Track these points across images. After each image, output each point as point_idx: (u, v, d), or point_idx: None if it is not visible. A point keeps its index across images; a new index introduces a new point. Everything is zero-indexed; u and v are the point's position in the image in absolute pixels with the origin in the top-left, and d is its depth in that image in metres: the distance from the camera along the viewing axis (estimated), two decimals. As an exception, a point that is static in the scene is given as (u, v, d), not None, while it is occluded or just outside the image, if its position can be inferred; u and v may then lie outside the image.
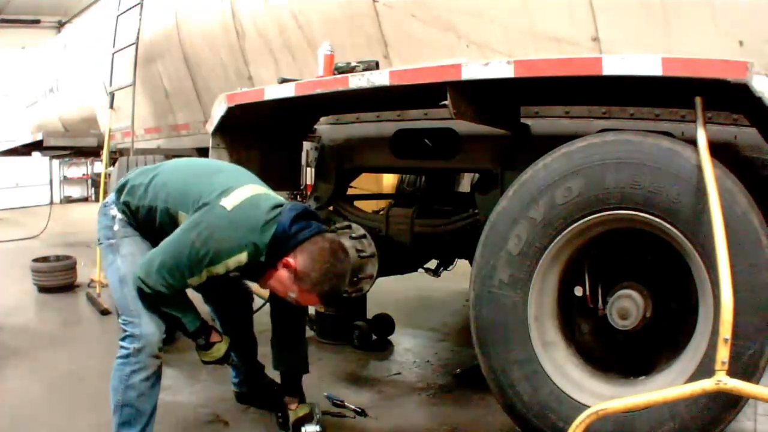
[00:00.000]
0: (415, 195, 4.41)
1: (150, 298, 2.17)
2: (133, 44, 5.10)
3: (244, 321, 2.75)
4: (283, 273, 2.13)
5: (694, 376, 1.92)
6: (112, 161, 6.06)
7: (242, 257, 2.08)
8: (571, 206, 2.12)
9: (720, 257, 1.76)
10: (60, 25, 14.20)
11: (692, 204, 1.93)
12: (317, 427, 2.57)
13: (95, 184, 15.41)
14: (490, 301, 2.27)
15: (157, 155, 5.18)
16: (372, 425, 2.88)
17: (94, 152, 8.23)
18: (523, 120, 2.74)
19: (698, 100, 1.97)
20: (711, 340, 1.90)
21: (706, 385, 1.72)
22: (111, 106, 5.57)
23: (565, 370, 2.25)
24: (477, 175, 3.62)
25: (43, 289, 5.59)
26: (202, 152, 4.76)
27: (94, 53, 6.75)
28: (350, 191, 3.84)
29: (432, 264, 4.11)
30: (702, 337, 1.98)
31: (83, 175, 16.48)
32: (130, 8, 5.22)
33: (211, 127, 3.13)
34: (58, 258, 5.84)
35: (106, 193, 5.26)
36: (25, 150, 8.89)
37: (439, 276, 4.21)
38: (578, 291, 2.32)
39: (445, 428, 2.84)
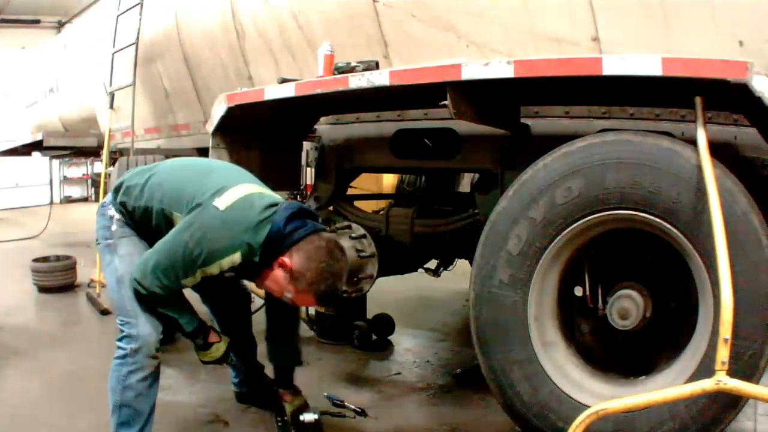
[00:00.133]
0: (415, 195, 4.41)
1: (146, 299, 2.17)
2: (133, 44, 5.10)
3: (242, 321, 2.74)
4: (278, 273, 2.11)
5: (694, 376, 1.92)
6: (112, 161, 6.06)
7: (236, 258, 2.07)
8: (571, 206, 2.12)
9: (720, 257, 1.76)
10: (60, 25, 14.20)
11: (692, 204, 1.93)
12: (315, 415, 2.57)
13: (95, 184, 15.41)
14: (490, 301, 2.27)
15: (157, 155, 5.18)
16: (372, 425, 2.88)
17: (94, 152, 8.23)
18: (523, 120, 2.74)
19: (698, 100, 1.97)
20: (711, 340, 1.90)
21: (706, 385, 1.72)
22: (111, 106, 5.57)
23: (565, 370, 2.25)
24: (477, 175, 3.62)
25: (43, 289, 5.59)
26: (202, 152, 4.76)
27: (94, 53, 6.75)
28: (350, 191, 3.84)
29: (432, 264, 4.11)
30: (702, 337, 1.98)
31: (83, 175, 16.49)
32: (130, 8, 5.22)
33: (211, 127, 3.13)
34: (58, 258, 5.84)
35: (106, 193, 5.25)
36: (25, 150, 8.89)
37: (439, 276, 4.21)
38: (578, 291, 2.32)
39: (445, 428, 2.84)
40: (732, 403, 1.89)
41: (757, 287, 1.85)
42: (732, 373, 1.72)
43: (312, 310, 4.22)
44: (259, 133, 3.40)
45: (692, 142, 1.97)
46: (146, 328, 2.19)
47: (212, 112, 3.10)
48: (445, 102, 2.23)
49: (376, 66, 2.74)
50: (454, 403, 3.12)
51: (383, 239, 3.37)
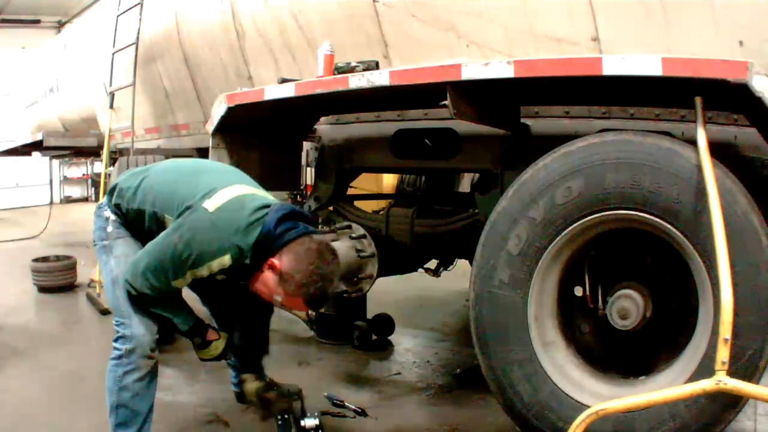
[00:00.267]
0: (415, 195, 4.41)
1: (138, 300, 2.16)
2: (133, 44, 5.10)
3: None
4: (267, 275, 2.06)
5: (694, 376, 1.92)
6: (112, 161, 6.06)
7: (225, 260, 2.04)
8: (571, 206, 2.12)
9: (720, 257, 1.76)
10: (60, 25, 14.20)
11: (692, 204, 1.93)
12: (315, 420, 2.55)
13: (95, 184, 15.42)
14: (490, 301, 2.27)
15: (157, 155, 5.18)
16: (372, 425, 2.88)
17: (94, 152, 8.23)
18: (523, 120, 2.74)
19: (698, 100, 1.97)
20: (711, 340, 1.90)
21: (706, 385, 1.72)
22: (111, 106, 5.57)
23: (565, 370, 2.25)
24: (477, 175, 3.62)
25: (43, 289, 5.59)
26: (202, 152, 4.76)
27: (94, 53, 6.75)
28: (350, 191, 3.84)
29: (432, 264, 4.11)
30: (702, 337, 1.98)
31: (83, 175, 16.50)
32: (130, 8, 5.22)
33: (211, 127, 3.13)
34: (58, 258, 5.84)
35: (105, 193, 5.26)
36: (25, 150, 8.89)
37: (439, 276, 4.21)
38: (578, 291, 2.32)
39: (445, 428, 2.84)
40: (732, 403, 1.89)
41: (757, 287, 1.85)
42: (732, 373, 1.72)
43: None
44: (259, 133, 3.39)
45: (692, 142, 1.97)
46: (140, 328, 2.18)
47: (212, 112, 3.10)
48: (445, 102, 2.23)
49: (376, 66, 2.74)
50: (454, 403, 3.12)
51: (383, 239, 3.37)
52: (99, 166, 10.91)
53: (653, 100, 2.45)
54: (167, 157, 5.07)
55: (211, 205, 2.07)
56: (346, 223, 3.39)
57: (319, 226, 3.55)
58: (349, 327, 4.01)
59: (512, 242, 2.22)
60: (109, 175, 5.45)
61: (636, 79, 1.96)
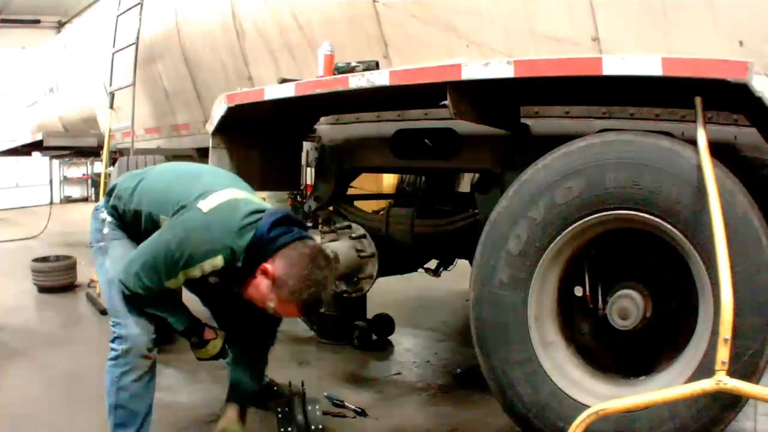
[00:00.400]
0: (415, 195, 4.41)
1: (132, 300, 2.16)
2: (133, 44, 5.10)
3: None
4: (261, 280, 2.05)
5: (694, 376, 1.92)
6: (112, 161, 6.06)
7: (217, 261, 2.04)
8: (571, 206, 2.12)
9: (720, 257, 1.76)
10: (60, 25, 14.19)
11: (692, 204, 1.93)
12: (318, 412, 2.57)
13: (95, 184, 15.42)
14: (490, 301, 2.27)
15: (157, 155, 5.19)
16: (372, 425, 2.88)
17: (94, 152, 8.23)
18: (523, 120, 2.74)
19: (698, 100, 1.97)
20: (711, 340, 1.90)
21: (706, 385, 1.72)
22: (111, 106, 5.58)
23: (565, 370, 2.25)
24: (477, 175, 3.62)
25: (43, 289, 5.59)
26: (202, 152, 4.76)
27: (94, 53, 6.75)
28: (350, 191, 3.84)
29: (432, 264, 4.10)
30: (702, 337, 1.98)
31: (83, 175, 16.51)
32: (130, 8, 5.22)
33: (211, 127, 3.13)
34: (58, 258, 5.84)
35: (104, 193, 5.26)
36: (25, 150, 8.88)
37: (439, 276, 4.21)
38: (578, 291, 2.32)
39: (445, 428, 2.84)
40: (732, 403, 1.89)
41: (757, 287, 1.85)
42: (732, 373, 1.72)
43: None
44: (259, 133, 3.40)
45: (692, 142, 1.97)
46: (135, 328, 2.18)
47: (212, 112, 3.10)
48: (445, 102, 2.23)
49: (376, 66, 2.74)
50: (454, 403, 3.12)
51: (383, 239, 3.37)
52: (99, 166, 10.91)
53: (653, 100, 2.45)
54: (167, 158, 5.09)
55: (205, 205, 2.07)
56: (346, 223, 3.39)
57: (320, 226, 3.55)
58: (349, 327, 4.01)
59: (512, 242, 2.22)
60: (109, 175, 5.45)
61: (636, 79, 1.96)
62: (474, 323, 2.32)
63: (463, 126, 2.86)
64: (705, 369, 1.86)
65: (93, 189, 16.10)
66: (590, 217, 2.11)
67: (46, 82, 9.02)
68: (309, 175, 4.80)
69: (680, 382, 1.96)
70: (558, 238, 2.17)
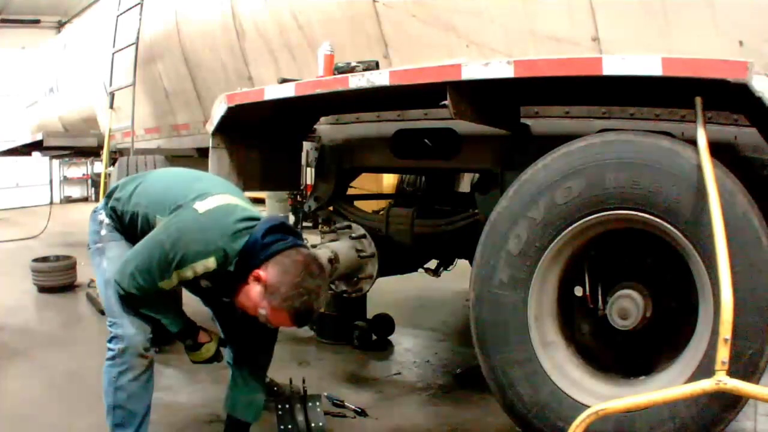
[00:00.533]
0: (415, 195, 4.41)
1: (126, 300, 2.16)
2: (133, 44, 5.10)
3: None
4: (253, 287, 2.02)
5: (694, 376, 1.92)
6: (112, 161, 6.06)
7: (210, 263, 2.02)
8: (571, 206, 2.12)
9: (720, 257, 1.76)
10: (60, 25, 14.19)
11: (692, 204, 1.93)
12: (319, 409, 2.56)
13: (95, 184, 15.42)
14: (490, 301, 2.27)
15: (157, 155, 5.18)
16: (372, 425, 2.88)
17: (94, 152, 8.23)
18: (523, 120, 2.74)
19: (698, 100, 1.97)
20: (711, 340, 1.90)
21: (706, 385, 1.72)
22: (111, 106, 5.58)
23: (565, 370, 2.25)
24: (477, 175, 3.62)
25: (43, 289, 5.59)
26: (202, 152, 4.77)
27: (94, 53, 6.74)
28: (350, 191, 3.84)
29: (432, 264, 4.11)
30: (702, 337, 1.98)
31: (83, 175, 16.50)
32: (130, 8, 5.22)
33: (211, 127, 3.13)
34: (58, 258, 5.84)
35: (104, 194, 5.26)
36: (25, 150, 8.88)
37: (439, 276, 4.21)
38: (578, 291, 2.32)
39: (445, 428, 2.84)
40: (732, 403, 1.89)
41: (757, 287, 1.85)
42: (732, 373, 1.71)
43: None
44: (259, 133, 3.39)
45: (692, 142, 1.97)
46: (131, 328, 2.17)
47: (212, 112, 3.10)
48: (445, 102, 2.23)
49: (376, 66, 2.74)
50: (454, 403, 3.12)
51: (383, 239, 3.37)
52: (99, 166, 10.91)
53: (653, 100, 2.45)
54: (167, 158, 5.09)
55: (201, 206, 2.06)
56: (346, 223, 3.39)
57: (320, 226, 3.55)
58: (349, 327, 4.01)
59: (512, 242, 2.22)
60: (109, 175, 5.45)
61: (636, 79, 1.96)
62: (474, 323, 2.32)
63: (463, 126, 2.86)
64: (705, 369, 1.86)
65: (93, 189, 16.09)
66: (590, 217, 2.11)
67: (46, 82, 9.02)
68: (309, 175, 4.81)
69: (680, 382, 1.96)
70: (558, 238, 2.17)
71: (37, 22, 14.37)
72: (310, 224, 8.13)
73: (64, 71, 8.26)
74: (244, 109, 2.98)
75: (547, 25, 2.57)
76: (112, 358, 2.19)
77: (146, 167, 4.72)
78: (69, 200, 16.03)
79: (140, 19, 5.05)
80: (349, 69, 2.71)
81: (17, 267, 6.34)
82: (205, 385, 3.31)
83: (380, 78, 2.41)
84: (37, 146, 8.31)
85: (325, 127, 3.58)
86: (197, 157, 5.13)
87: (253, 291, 2.02)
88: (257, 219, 2.11)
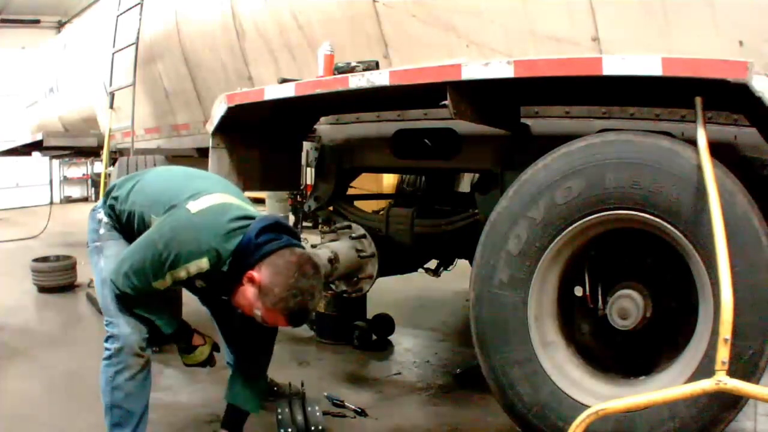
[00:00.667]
0: (415, 195, 4.41)
1: (121, 300, 2.16)
2: (133, 44, 5.10)
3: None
4: (247, 288, 2.01)
5: (694, 376, 1.92)
6: (112, 161, 6.06)
7: (203, 263, 2.01)
8: (571, 206, 2.12)
9: (720, 257, 1.76)
10: (60, 25, 14.19)
11: (692, 204, 1.93)
12: (318, 413, 2.54)
13: (95, 184, 15.42)
14: (490, 301, 2.27)
15: (157, 155, 5.18)
16: (372, 425, 2.88)
17: (94, 152, 8.22)
18: (523, 120, 2.74)
19: (698, 100, 1.97)
20: (711, 340, 1.90)
21: (706, 385, 1.72)
22: (111, 106, 5.58)
23: (565, 370, 2.25)
24: (477, 175, 3.62)
25: (43, 289, 5.59)
26: (202, 152, 4.77)
27: (94, 53, 6.74)
28: (350, 191, 3.84)
29: (432, 264, 4.11)
30: (702, 337, 1.98)
31: (83, 175, 16.49)
32: (130, 8, 5.22)
33: (211, 127, 3.13)
34: (58, 258, 5.84)
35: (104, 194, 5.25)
36: (25, 150, 8.88)
37: (439, 276, 4.21)
38: (578, 291, 2.32)
39: (445, 428, 2.84)
40: (732, 403, 1.89)
41: (757, 287, 1.85)
42: (732, 373, 1.71)
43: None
44: (259, 133, 3.39)
45: (692, 142, 1.97)
46: (127, 327, 2.17)
47: (212, 112, 3.10)
48: (445, 102, 2.23)
49: (376, 66, 2.74)
50: (454, 403, 3.12)
51: (383, 239, 3.37)
52: (99, 166, 10.91)
53: (653, 100, 2.45)
54: (167, 157, 5.09)
55: (194, 206, 2.05)
56: (346, 223, 3.39)
57: (320, 226, 3.55)
58: (349, 327, 4.01)
59: (512, 242, 2.22)
60: (109, 175, 5.45)
61: (636, 79, 1.96)
62: (474, 323, 2.32)
63: (463, 126, 2.86)
64: (705, 369, 1.86)
65: (93, 189, 16.09)
66: (590, 217, 2.11)
67: (46, 82, 9.02)
68: (309, 175, 4.80)
69: (680, 382, 1.96)
70: (558, 238, 2.17)
71: (37, 22, 14.37)
72: (310, 224, 8.14)
73: (64, 71, 8.26)
74: (244, 109, 2.98)
75: (547, 25, 2.57)
76: (109, 357, 2.19)
77: (146, 167, 4.71)
78: (69, 200, 16.03)
79: (140, 19, 5.05)
80: (349, 69, 2.71)
81: (17, 267, 6.34)
82: (205, 385, 3.31)
83: (380, 78, 2.41)
84: (37, 146, 8.30)
85: (325, 127, 3.58)
86: (197, 157, 5.13)
87: (248, 292, 2.02)
88: (252, 218, 2.09)
